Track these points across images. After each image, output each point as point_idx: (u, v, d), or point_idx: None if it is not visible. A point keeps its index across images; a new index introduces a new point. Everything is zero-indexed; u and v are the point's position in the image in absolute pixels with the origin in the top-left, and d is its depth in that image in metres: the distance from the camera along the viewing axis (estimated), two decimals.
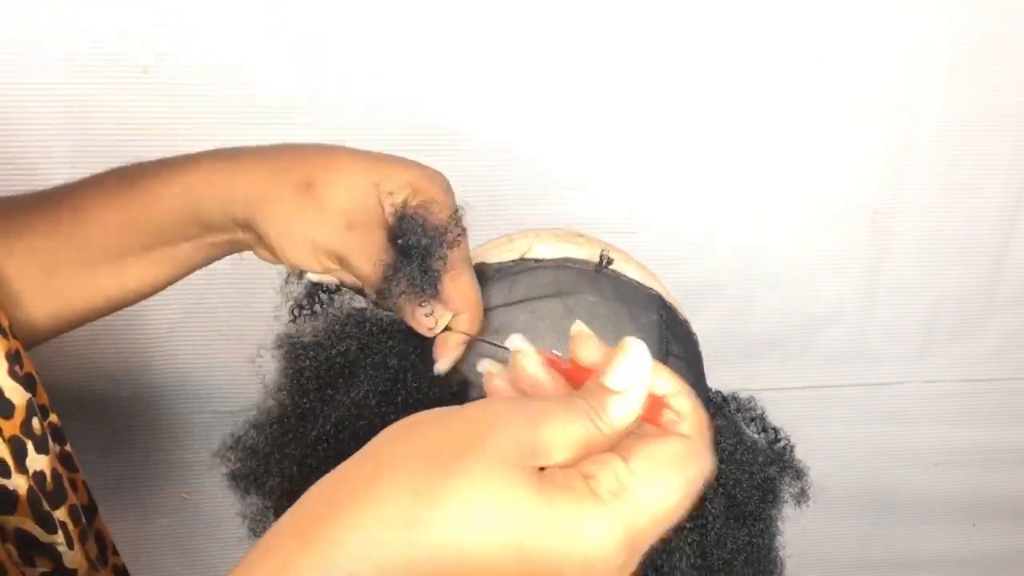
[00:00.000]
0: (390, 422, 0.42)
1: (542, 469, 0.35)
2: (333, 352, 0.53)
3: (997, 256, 1.14)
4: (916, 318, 1.15)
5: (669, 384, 0.39)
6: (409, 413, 0.40)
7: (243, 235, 0.55)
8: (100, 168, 0.89)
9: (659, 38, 0.97)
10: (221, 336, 0.98)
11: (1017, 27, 1.03)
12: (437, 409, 0.37)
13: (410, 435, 0.36)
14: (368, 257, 0.51)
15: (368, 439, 0.42)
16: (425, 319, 0.50)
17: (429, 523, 0.33)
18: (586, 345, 0.40)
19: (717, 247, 1.07)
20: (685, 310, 0.58)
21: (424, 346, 0.53)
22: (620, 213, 1.02)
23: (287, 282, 0.57)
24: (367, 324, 0.54)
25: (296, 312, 0.57)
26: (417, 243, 0.51)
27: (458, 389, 0.51)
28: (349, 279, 0.54)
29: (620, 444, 0.37)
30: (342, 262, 0.52)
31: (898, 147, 1.07)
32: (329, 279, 0.55)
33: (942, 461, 1.22)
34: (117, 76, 0.87)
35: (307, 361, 0.54)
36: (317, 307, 0.57)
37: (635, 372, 0.37)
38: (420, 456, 0.35)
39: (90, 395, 0.96)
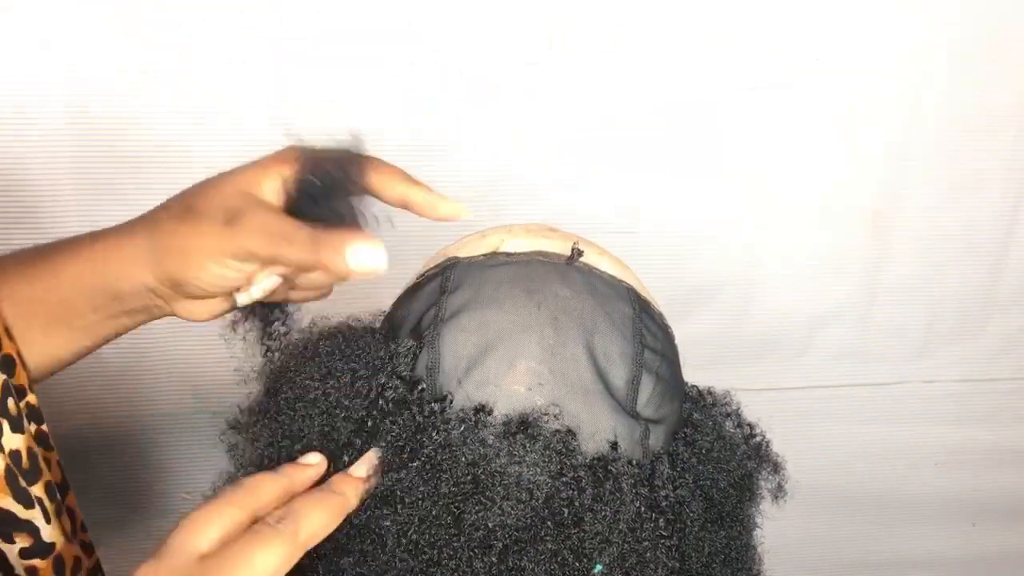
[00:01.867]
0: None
1: None
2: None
3: (997, 256, 1.14)
4: (916, 318, 1.15)
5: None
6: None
7: (157, 300, 0.56)
8: (100, 167, 0.90)
9: (660, 39, 0.97)
10: (221, 336, 0.98)
11: (1017, 27, 1.03)
12: None
13: None
14: (259, 238, 0.50)
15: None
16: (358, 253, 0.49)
17: None
18: None
19: (717, 247, 1.07)
20: (680, 309, 0.58)
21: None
22: (620, 213, 1.02)
23: (233, 329, 0.58)
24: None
25: (266, 345, 0.57)
26: (313, 184, 0.52)
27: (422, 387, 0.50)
28: (271, 282, 0.54)
29: None
30: (242, 254, 0.52)
31: (898, 147, 1.07)
32: (251, 296, 0.55)
33: (942, 461, 1.22)
34: (117, 76, 0.87)
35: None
36: (279, 326, 0.57)
37: None
38: None
39: (89, 395, 0.96)
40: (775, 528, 0.57)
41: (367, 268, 0.49)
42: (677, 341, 0.56)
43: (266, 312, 0.58)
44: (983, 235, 1.13)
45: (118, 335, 0.59)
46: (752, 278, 1.09)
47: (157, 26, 0.87)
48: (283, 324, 0.58)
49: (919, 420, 1.20)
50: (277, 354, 0.55)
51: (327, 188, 0.52)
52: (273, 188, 0.53)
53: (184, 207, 0.53)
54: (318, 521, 0.44)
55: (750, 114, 1.02)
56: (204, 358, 0.99)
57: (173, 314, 0.57)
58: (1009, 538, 1.27)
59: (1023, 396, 1.22)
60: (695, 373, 0.59)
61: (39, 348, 0.58)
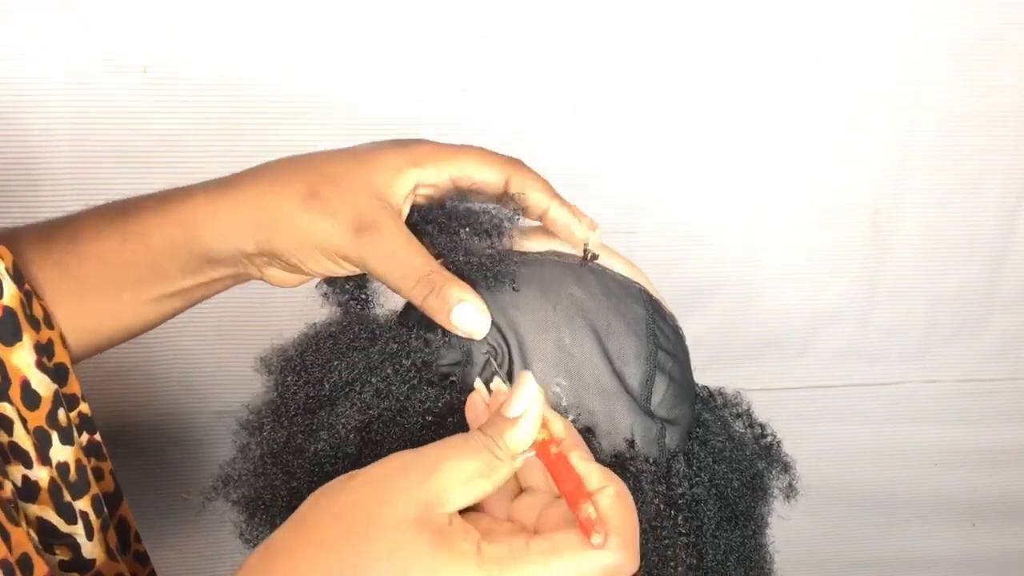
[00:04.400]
0: (399, 422, 0.47)
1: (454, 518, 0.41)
2: (333, 374, 0.51)
3: (997, 256, 1.14)
4: (916, 318, 1.15)
5: (599, 480, 0.42)
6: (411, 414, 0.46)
7: (250, 264, 0.55)
8: (101, 167, 0.90)
9: (660, 39, 0.97)
10: (221, 336, 0.98)
11: (1017, 27, 1.03)
12: (346, 476, 0.42)
13: (326, 503, 0.41)
14: (382, 259, 0.50)
15: (377, 440, 0.47)
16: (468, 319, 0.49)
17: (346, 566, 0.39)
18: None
19: (717, 247, 1.07)
20: (680, 309, 0.58)
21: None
22: (620, 212, 1.02)
23: (326, 298, 0.57)
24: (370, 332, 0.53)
25: (351, 309, 0.56)
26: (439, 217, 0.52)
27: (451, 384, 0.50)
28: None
29: (543, 520, 0.43)
30: (358, 265, 0.52)
31: (898, 147, 1.07)
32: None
33: (942, 461, 1.22)
34: (117, 76, 0.87)
35: (298, 383, 0.52)
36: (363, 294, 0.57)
37: (526, 399, 0.43)
38: (333, 523, 0.40)
39: (88, 395, 0.96)
40: (774, 527, 0.58)
41: (466, 330, 0.49)
42: (678, 323, 0.57)
43: (355, 283, 0.57)
44: (983, 235, 1.13)
45: (209, 296, 0.59)
46: (752, 278, 1.09)
47: (157, 26, 0.87)
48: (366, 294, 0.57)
49: (919, 420, 1.20)
50: (291, 350, 0.55)
51: (453, 222, 0.52)
52: (405, 192, 0.52)
53: (309, 191, 0.51)
54: None
55: (750, 114, 1.02)
56: (204, 358, 0.99)
57: (260, 279, 0.57)
58: (1009, 538, 1.27)
59: (1023, 396, 1.22)
60: (695, 373, 0.59)
61: (128, 309, 0.57)
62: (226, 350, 0.98)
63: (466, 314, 0.48)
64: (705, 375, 0.60)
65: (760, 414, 0.60)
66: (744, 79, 1.00)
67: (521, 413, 0.42)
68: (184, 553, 1.05)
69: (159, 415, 1.00)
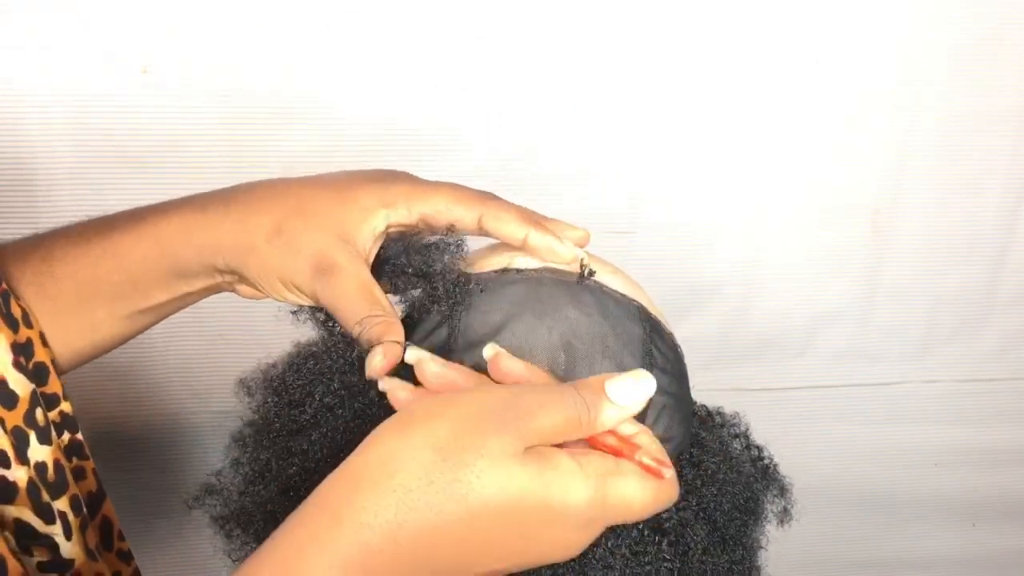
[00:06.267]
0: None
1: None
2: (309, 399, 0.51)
3: (997, 256, 1.14)
4: (916, 318, 1.15)
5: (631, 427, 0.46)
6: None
7: (223, 279, 0.56)
8: (100, 167, 0.90)
9: (660, 40, 0.97)
10: (221, 336, 0.98)
11: (1017, 27, 1.03)
12: (429, 402, 0.43)
13: (415, 430, 0.42)
14: (333, 301, 0.51)
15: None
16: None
17: (445, 487, 0.40)
18: (504, 361, 0.47)
19: (717, 247, 1.07)
20: (680, 309, 0.57)
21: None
22: (620, 213, 1.02)
23: (297, 316, 0.57)
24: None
25: (328, 328, 0.56)
26: (405, 267, 0.52)
27: None
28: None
29: (622, 448, 0.44)
30: (314, 300, 0.53)
31: (898, 147, 1.07)
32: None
33: (942, 461, 1.22)
34: (117, 76, 0.87)
35: (278, 407, 0.52)
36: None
37: (636, 396, 0.45)
38: (430, 449, 0.41)
39: (88, 395, 0.96)
40: (773, 526, 0.57)
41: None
42: (677, 341, 0.56)
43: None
44: (983, 235, 1.12)
45: (181, 309, 0.60)
46: (752, 278, 1.09)
47: (157, 26, 0.87)
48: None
49: (919, 420, 1.20)
50: (273, 370, 0.54)
51: (414, 269, 0.52)
52: (374, 233, 0.53)
53: (275, 227, 0.53)
54: None
55: (750, 114, 1.02)
56: (204, 358, 0.99)
57: (233, 292, 0.58)
58: (1009, 538, 1.27)
59: (1023, 396, 1.22)
60: (695, 373, 0.59)
61: (103, 326, 0.58)
62: (227, 351, 0.98)
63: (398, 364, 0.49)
64: (705, 375, 0.60)
65: (760, 414, 0.59)
66: (744, 79, 1.00)
67: (622, 402, 0.44)
68: (185, 553, 1.05)
69: (159, 415, 1.00)
